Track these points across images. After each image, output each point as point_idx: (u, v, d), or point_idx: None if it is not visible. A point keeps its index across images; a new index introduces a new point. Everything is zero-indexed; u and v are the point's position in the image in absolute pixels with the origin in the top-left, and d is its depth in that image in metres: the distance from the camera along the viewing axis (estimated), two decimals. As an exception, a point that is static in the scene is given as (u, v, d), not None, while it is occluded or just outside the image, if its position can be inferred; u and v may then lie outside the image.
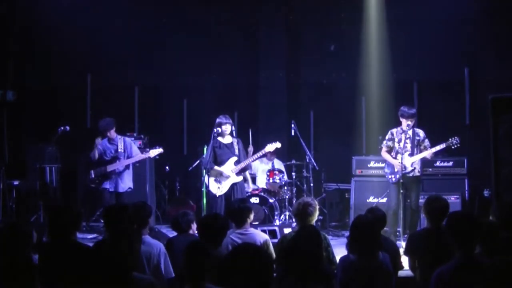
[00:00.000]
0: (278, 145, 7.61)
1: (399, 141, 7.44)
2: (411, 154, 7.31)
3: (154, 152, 7.95)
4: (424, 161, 8.33)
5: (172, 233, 7.45)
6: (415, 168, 7.32)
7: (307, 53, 10.38)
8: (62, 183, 9.30)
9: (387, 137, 7.58)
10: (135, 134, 9.48)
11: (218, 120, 7.43)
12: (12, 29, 9.85)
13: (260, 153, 7.63)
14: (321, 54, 10.29)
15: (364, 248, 4.01)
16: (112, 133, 7.93)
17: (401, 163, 7.13)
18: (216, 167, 7.32)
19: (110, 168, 7.81)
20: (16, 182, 8.84)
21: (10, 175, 8.88)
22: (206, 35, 10.41)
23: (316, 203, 5.07)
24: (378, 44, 9.79)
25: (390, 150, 7.52)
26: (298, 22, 10.41)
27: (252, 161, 7.76)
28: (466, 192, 8.25)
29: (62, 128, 7.88)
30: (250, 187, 8.57)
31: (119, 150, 7.89)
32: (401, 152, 7.31)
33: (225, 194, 7.28)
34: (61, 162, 9.39)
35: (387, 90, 9.63)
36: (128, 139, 8.13)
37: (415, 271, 4.76)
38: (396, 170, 7.36)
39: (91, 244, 4.63)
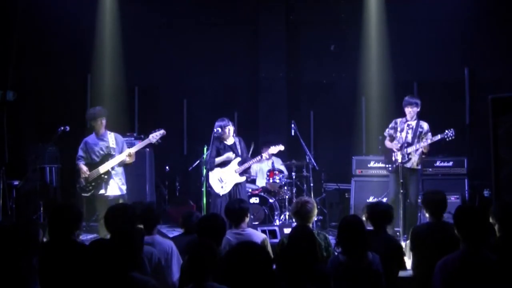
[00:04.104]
0: (281, 147, 7.65)
1: (401, 130, 7.41)
2: (411, 145, 7.29)
3: (155, 135, 7.08)
4: (424, 161, 8.34)
5: (172, 233, 7.48)
6: (411, 158, 7.28)
7: (307, 53, 10.38)
8: (62, 183, 9.30)
9: (389, 126, 7.56)
10: (135, 134, 9.48)
11: (217, 123, 7.36)
12: (13, 29, 9.84)
13: (264, 155, 7.63)
14: (321, 54, 10.30)
15: (352, 249, 4.02)
16: (103, 125, 7.15)
17: (402, 153, 7.09)
18: (218, 169, 7.32)
19: (103, 169, 7.07)
20: (16, 182, 8.83)
21: (10, 175, 8.87)
22: (206, 35, 10.42)
23: (314, 201, 5.08)
24: (378, 44, 9.79)
25: (392, 139, 7.52)
26: (298, 22, 10.41)
27: (256, 162, 7.71)
28: (466, 192, 8.26)
29: (62, 128, 7.72)
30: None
31: (111, 146, 7.09)
32: (401, 142, 7.29)
33: (229, 193, 7.29)
34: (61, 162, 9.40)
35: (387, 90, 9.64)
36: (119, 136, 7.33)
37: (418, 267, 4.75)
38: (393, 159, 7.34)
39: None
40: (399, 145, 7.30)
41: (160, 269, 4.16)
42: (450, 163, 8.49)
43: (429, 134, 7.36)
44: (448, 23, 9.54)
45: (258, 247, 3.23)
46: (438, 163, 8.51)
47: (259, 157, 7.57)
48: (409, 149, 7.23)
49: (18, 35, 9.89)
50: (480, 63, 9.59)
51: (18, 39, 9.91)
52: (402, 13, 9.69)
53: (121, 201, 6.91)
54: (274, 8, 10.30)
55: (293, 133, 8.22)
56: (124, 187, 7.19)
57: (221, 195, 7.28)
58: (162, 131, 7.10)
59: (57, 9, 9.77)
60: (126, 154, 7.02)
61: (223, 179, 7.31)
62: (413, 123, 7.34)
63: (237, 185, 7.33)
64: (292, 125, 8.24)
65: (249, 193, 8.27)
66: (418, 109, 7.40)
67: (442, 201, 4.78)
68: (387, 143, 7.54)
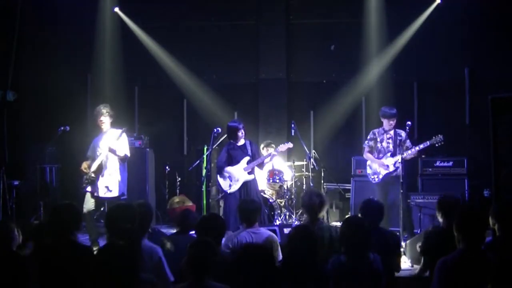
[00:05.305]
0: (290, 145, 7.74)
1: (381, 141, 7.50)
2: (393, 155, 7.36)
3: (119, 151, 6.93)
4: (424, 161, 8.36)
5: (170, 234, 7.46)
6: (398, 167, 7.32)
7: (307, 53, 10.37)
8: (62, 183, 9.29)
9: (368, 137, 7.66)
10: (135, 134, 9.47)
11: (233, 124, 7.46)
12: (13, 28, 9.85)
13: (273, 154, 7.71)
14: (321, 54, 10.29)
15: (353, 249, 4.03)
16: (98, 122, 7.07)
17: (390, 164, 7.12)
18: (227, 168, 7.38)
19: (92, 167, 6.93)
20: (16, 182, 8.83)
21: (10, 175, 8.87)
22: (206, 35, 10.42)
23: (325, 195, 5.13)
24: (378, 44, 9.79)
25: (371, 150, 7.59)
26: (298, 22, 10.40)
27: (265, 160, 7.73)
28: (466, 192, 8.26)
29: (62, 128, 7.74)
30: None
31: (102, 145, 6.96)
32: (384, 152, 7.38)
33: (238, 192, 7.32)
34: (61, 162, 9.39)
35: (387, 90, 9.63)
36: (114, 132, 7.05)
37: (426, 271, 4.73)
38: (378, 170, 7.40)
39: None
40: (381, 155, 7.38)
41: (161, 268, 4.15)
42: (450, 163, 8.49)
43: (408, 141, 7.45)
44: (448, 23, 9.53)
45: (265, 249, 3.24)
46: (438, 163, 8.51)
47: (269, 156, 7.64)
48: (396, 158, 7.27)
49: (18, 35, 9.90)
50: (480, 63, 9.59)
51: (18, 39, 9.91)
52: (402, 14, 9.68)
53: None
54: (274, 8, 10.29)
55: (293, 133, 8.23)
56: (115, 190, 6.95)
57: (228, 192, 7.34)
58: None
59: (57, 9, 9.78)
60: (106, 151, 6.83)
61: (232, 178, 7.35)
62: (391, 133, 7.44)
63: (245, 184, 7.36)
64: (292, 125, 8.24)
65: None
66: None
67: (456, 206, 4.75)
68: (368, 156, 7.57)
